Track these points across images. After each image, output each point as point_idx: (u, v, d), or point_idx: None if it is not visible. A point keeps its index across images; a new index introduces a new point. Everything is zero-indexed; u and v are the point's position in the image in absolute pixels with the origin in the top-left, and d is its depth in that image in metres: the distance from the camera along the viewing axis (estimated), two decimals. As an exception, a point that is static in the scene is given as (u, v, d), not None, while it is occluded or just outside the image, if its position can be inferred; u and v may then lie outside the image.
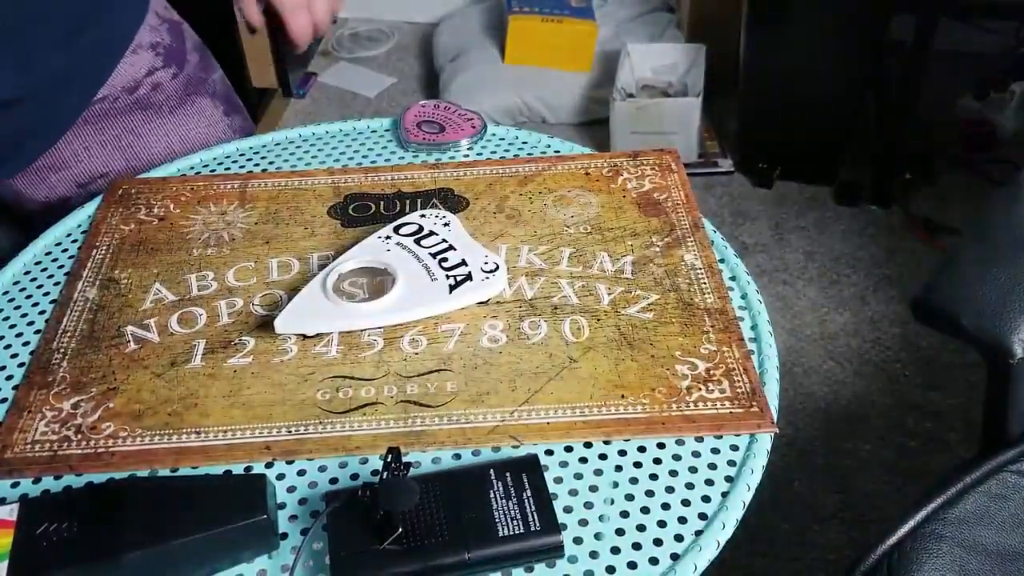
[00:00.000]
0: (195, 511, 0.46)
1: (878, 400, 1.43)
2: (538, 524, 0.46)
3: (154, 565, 0.45)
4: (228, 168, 0.78)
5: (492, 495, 0.48)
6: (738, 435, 0.53)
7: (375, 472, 0.52)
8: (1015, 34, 1.98)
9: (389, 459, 0.48)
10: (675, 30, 2.31)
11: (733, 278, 0.65)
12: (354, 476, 0.52)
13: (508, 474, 0.49)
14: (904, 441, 1.36)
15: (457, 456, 0.53)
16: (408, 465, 0.49)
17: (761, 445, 0.53)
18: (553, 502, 0.48)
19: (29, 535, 0.45)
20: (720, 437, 0.53)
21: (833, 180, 1.89)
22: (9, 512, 0.47)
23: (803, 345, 1.54)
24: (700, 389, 0.56)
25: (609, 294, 0.63)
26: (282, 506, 0.51)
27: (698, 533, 0.48)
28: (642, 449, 0.53)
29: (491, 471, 0.49)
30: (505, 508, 0.47)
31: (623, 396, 0.55)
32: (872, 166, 1.88)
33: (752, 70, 1.89)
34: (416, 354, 0.59)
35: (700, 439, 0.53)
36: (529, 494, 0.48)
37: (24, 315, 0.64)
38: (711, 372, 0.57)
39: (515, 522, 0.47)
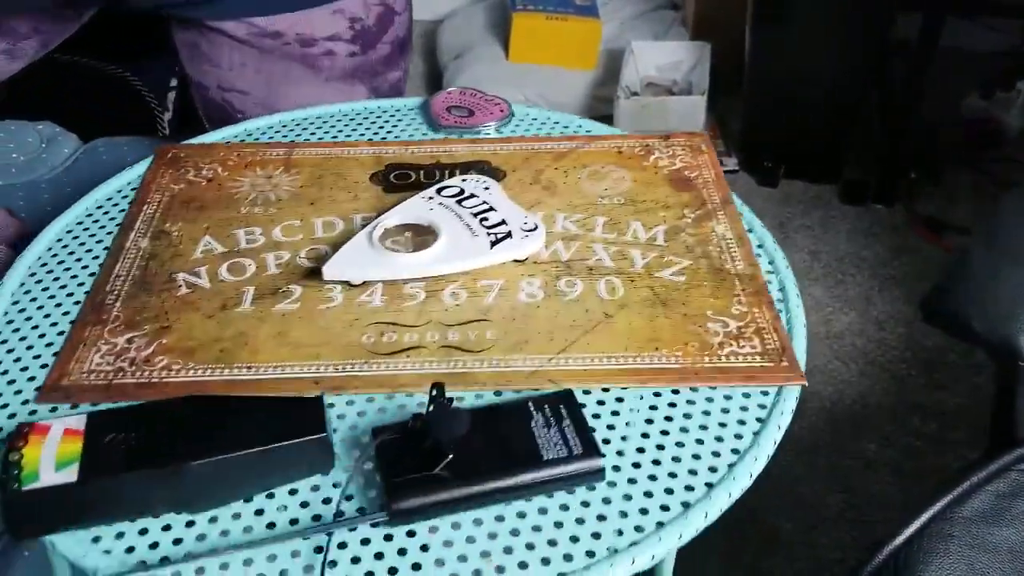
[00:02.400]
0: (255, 428, 0.48)
1: (883, 400, 1.45)
2: (580, 448, 0.49)
3: (214, 475, 0.47)
4: (271, 138, 0.81)
5: (533, 425, 0.50)
6: (768, 387, 0.56)
7: (420, 405, 0.55)
8: (1022, 33, 2.01)
9: (434, 393, 0.50)
10: (680, 28, 2.35)
11: (761, 246, 0.67)
12: (401, 407, 0.54)
13: (547, 406, 0.51)
14: (909, 441, 1.38)
15: (498, 393, 0.55)
16: (452, 399, 0.51)
17: (790, 395, 0.55)
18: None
19: (96, 443, 0.48)
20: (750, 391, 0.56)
21: (838, 179, 1.92)
22: (77, 422, 0.49)
23: (808, 345, 1.56)
24: (732, 344, 0.58)
25: (643, 259, 0.65)
26: (334, 430, 0.53)
27: (730, 466, 0.50)
28: (676, 392, 0.55)
29: (530, 404, 0.51)
30: (547, 436, 0.50)
31: (657, 348, 0.58)
32: (877, 165, 1.90)
33: (756, 68, 1.92)
34: (457, 305, 0.61)
35: (730, 392, 0.56)
36: (568, 423, 0.50)
37: (79, 259, 0.67)
38: (742, 330, 0.59)
39: (558, 447, 0.49)
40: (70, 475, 0.46)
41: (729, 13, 2.04)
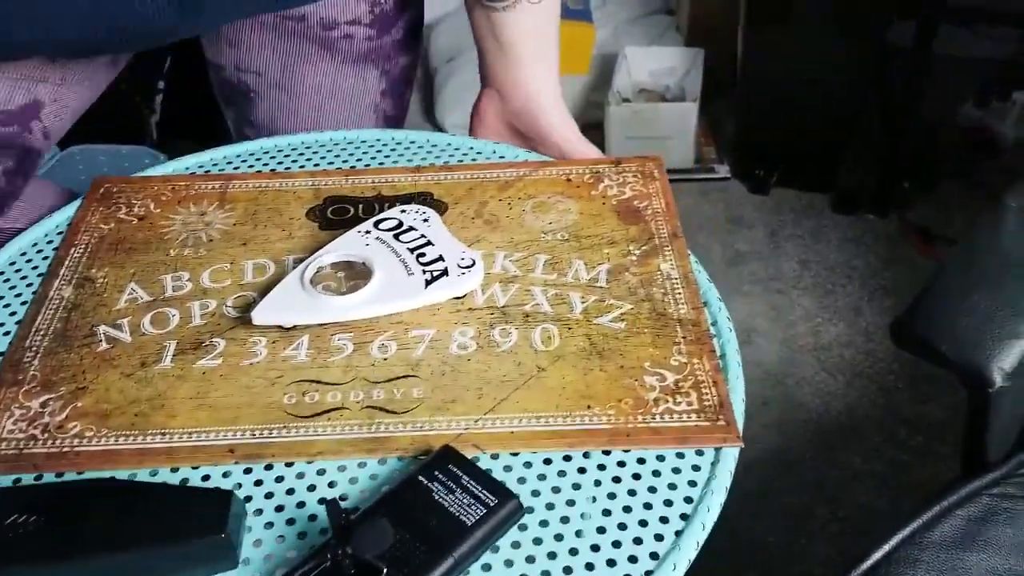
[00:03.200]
0: (156, 521, 0.46)
1: (871, 412, 1.43)
2: (493, 498, 0.47)
3: (110, 570, 0.45)
4: (208, 170, 0.78)
5: (437, 496, 0.48)
6: (703, 447, 0.53)
7: (342, 469, 0.52)
8: (1019, 42, 1.97)
9: (332, 515, 0.46)
10: (674, 33, 2.31)
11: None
12: (331, 484, 0.52)
13: (437, 472, 0.49)
14: (896, 454, 1.36)
15: (416, 457, 0.53)
16: (347, 514, 0.47)
17: (728, 458, 0.53)
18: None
19: (-3, 525, 0.46)
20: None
21: (831, 188, 1.88)
22: (-25, 503, 0.47)
23: (796, 356, 1.54)
24: (667, 401, 0.55)
25: (582, 302, 0.62)
26: (258, 512, 0.51)
27: (653, 556, 0.48)
28: (607, 453, 0.53)
29: (420, 477, 0.49)
30: (457, 500, 0.48)
31: (589, 407, 0.55)
32: (870, 174, 1.87)
33: (750, 75, 1.89)
34: (385, 359, 0.59)
35: (663, 454, 0.53)
36: (466, 479, 0.48)
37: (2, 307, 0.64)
38: (679, 384, 0.56)
39: (473, 507, 0.47)
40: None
41: (724, 18, 2.00)
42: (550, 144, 0.79)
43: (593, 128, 2.12)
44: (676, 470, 0.52)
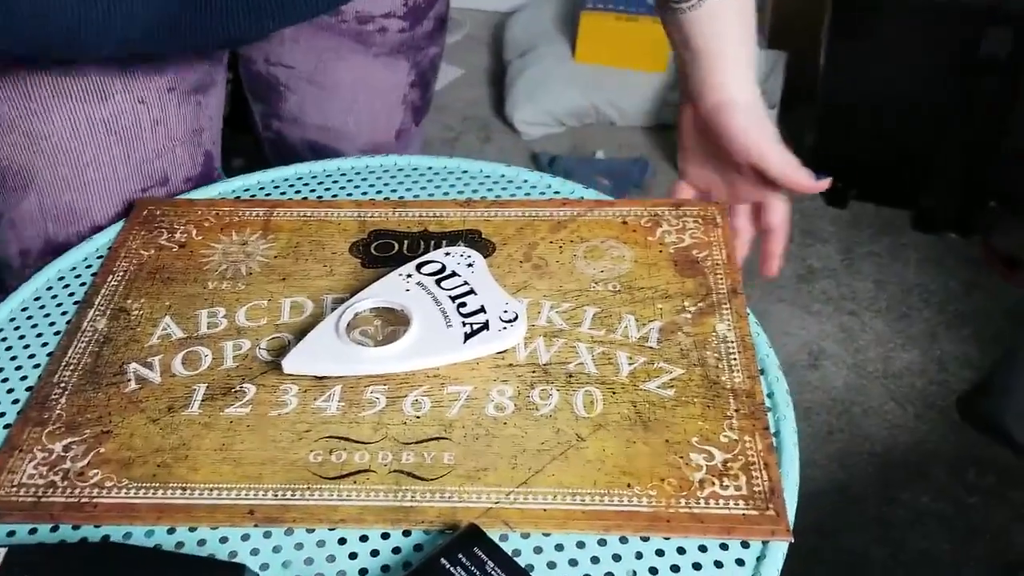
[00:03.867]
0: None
1: (940, 449, 1.36)
2: None
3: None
4: (254, 195, 0.76)
5: (463, 588, 0.45)
6: (750, 539, 0.49)
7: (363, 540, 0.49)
8: None
9: None
10: (757, 34, 2.23)
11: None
12: (352, 555, 0.49)
13: (461, 555, 0.46)
14: (963, 496, 1.28)
15: (443, 532, 0.50)
16: None
17: (776, 553, 0.48)
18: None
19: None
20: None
21: (912, 204, 1.79)
22: (-6, 558, 0.46)
23: (864, 383, 1.47)
24: (714, 484, 0.51)
25: (630, 364, 0.59)
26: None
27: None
28: (645, 539, 0.49)
29: (443, 561, 0.46)
30: (481, 595, 0.44)
31: (629, 485, 0.51)
32: (956, 192, 1.78)
33: (833, 81, 1.81)
34: (417, 418, 0.56)
35: (706, 544, 0.49)
36: (492, 565, 0.45)
37: (27, 345, 0.63)
38: (728, 465, 0.52)
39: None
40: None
41: (809, 21, 1.91)
42: (749, 154, 0.68)
43: (669, 129, 2.06)
44: (718, 564, 0.48)
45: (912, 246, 1.72)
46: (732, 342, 0.60)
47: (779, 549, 0.49)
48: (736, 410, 0.55)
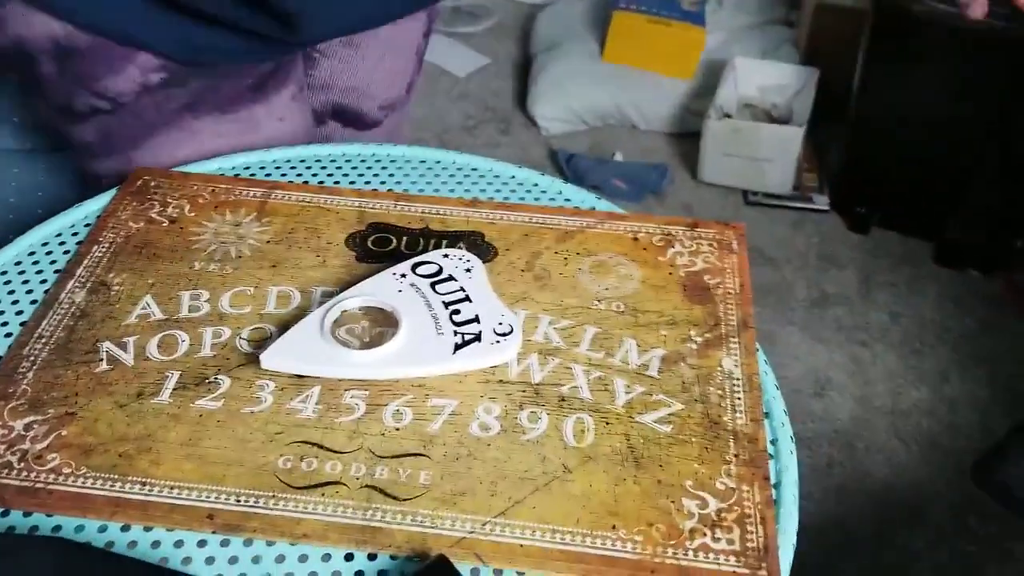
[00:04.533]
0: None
1: (942, 492, 1.32)
2: None
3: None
4: (254, 174, 0.73)
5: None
6: (738, 600, 0.46)
7: (325, 559, 0.46)
8: None
9: None
10: (791, 47, 2.19)
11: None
12: (303, 557, 0.46)
13: None
14: (962, 544, 1.25)
15: (411, 559, 0.46)
16: None
17: (762, 617, 0.45)
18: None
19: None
20: (716, 598, 0.46)
21: (936, 237, 1.75)
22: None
23: (869, 418, 1.43)
24: (705, 534, 0.48)
25: (627, 392, 0.55)
26: (208, 593, 0.45)
27: None
28: (625, 593, 0.46)
29: None
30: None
31: (614, 527, 0.48)
32: (981, 227, 1.73)
33: (865, 102, 1.76)
34: (397, 430, 0.53)
35: (692, 596, 0.46)
36: None
37: (1, 312, 0.60)
38: (722, 515, 0.49)
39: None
40: None
41: (846, 39, 1.86)
42: None
43: (691, 137, 2.02)
44: (703, 620, 0.45)
45: (932, 279, 1.68)
46: (738, 379, 0.56)
47: (767, 612, 0.45)
48: (736, 455, 0.52)
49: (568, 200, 0.70)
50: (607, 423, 0.53)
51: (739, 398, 0.55)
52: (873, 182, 1.79)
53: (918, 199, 1.75)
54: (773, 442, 0.54)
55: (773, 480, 0.51)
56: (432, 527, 0.48)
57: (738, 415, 0.54)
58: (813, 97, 1.92)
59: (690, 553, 0.47)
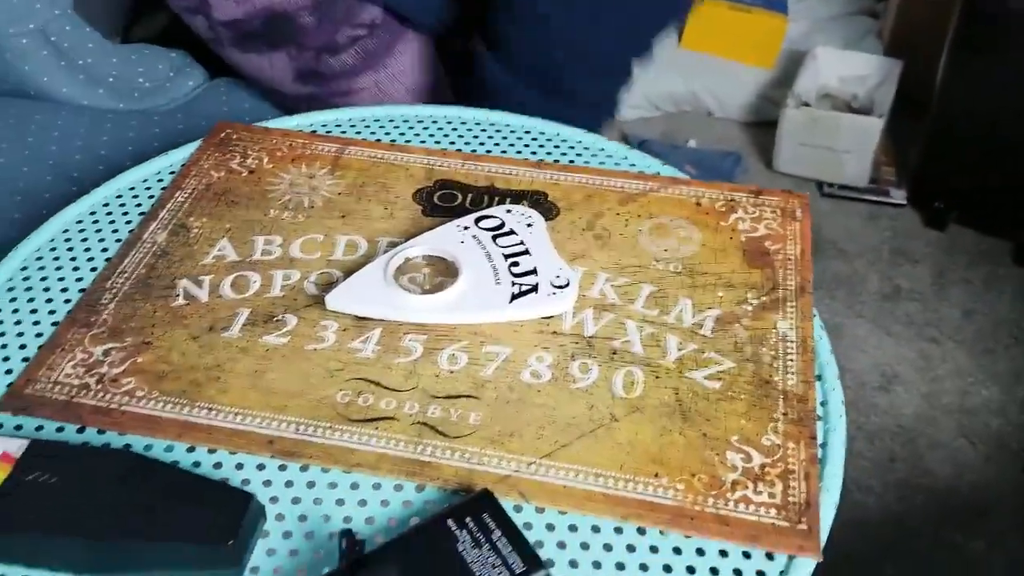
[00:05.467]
0: (168, 512, 0.44)
1: (1006, 495, 1.28)
2: (521, 565, 0.42)
3: (109, 554, 0.43)
4: (330, 131, 0.76)
5: (461, 548, 0.43)
6: (776, 552, 0.46)
7: (376, 488, 0.48)
8: None
9: (344, 547, 0.43)
10: (874, 39, 2.13)
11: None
12: (362, 502, 0.48)
13: (470, 520, 0.44)
14: (1021, 549, 1.21)
15: (456, 493, 0.48)
16: (363, 543, 0.44)
17: (799, 569, 0.46)
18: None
19: (20, 480, 0.45)
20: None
21: (1016, 236, 1.70)
22: (17, 448, 0.47)
23: (936, 415, 1.40)
24: (747, 487, 0.48)
25: (679, 349, 0.56)
26: (279, 518, 0.48)
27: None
28: (662, 534, 0.47)
29: (450, 522, 0.44)
30: (481, 559, 0.43)
31: (657, 475, 0.49)
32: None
33: (949, 96, 1.71)
34: (451, 372, 0.54)
35: (727, 549, 0.47)
36: (499, 534, 0.43)
37: (88, 249, 0.64)
38: (766, 470, 0.49)
39: (496, 570, 0.42)
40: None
41: (932, 31, 1.81)
42: None
43: (767, 126, 1.99)
44: (737, 572, 0.46)
45: (1009, 279, 1.62)
46: (792, 342, 0.56)
47: (805, 567, 0.46)
48: (784, 413, 0.52)
49: (633, 165, 0.71)
50: (657, 377, 0.54)
51: (791, 360, 0.55)
52: (953, 177, 1.74)
53: (999, 197, 1.70)
54: (823, 404, 0.54)
55: (820, 440, 0.52)
56: (479, 464, 0.50)
57: (789, 376, 0.54)
58: (895, 89, 1.87)
59: (731, 504, 0.48)
